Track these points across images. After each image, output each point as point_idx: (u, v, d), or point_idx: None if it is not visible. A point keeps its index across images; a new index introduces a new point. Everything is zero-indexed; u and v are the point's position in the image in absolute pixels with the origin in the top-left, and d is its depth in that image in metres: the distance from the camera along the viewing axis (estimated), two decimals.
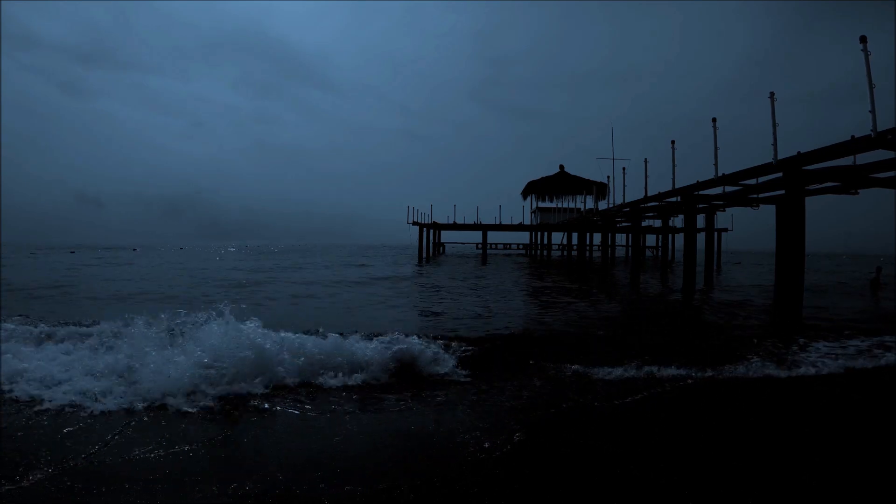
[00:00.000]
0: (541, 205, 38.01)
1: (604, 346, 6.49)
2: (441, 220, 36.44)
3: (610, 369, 5.25)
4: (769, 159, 9.06)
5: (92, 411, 3.87)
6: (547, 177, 38.40)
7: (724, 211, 16.94)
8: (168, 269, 23.41)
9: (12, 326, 6.10)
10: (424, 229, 36.77)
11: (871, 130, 6.83)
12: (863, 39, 6.99)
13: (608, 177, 21.12)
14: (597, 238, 34.93)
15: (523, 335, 7.60)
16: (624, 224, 24.40)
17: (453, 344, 5.98)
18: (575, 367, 5.32)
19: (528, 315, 10.41)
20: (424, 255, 36.53)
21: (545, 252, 37.93)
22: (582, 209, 32.07)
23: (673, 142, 13.00)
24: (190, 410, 3.96)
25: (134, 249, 53.14)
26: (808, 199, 9.27)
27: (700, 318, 10.15)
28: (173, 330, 5.10)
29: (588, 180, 33.56)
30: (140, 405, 3.99)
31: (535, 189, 38.13)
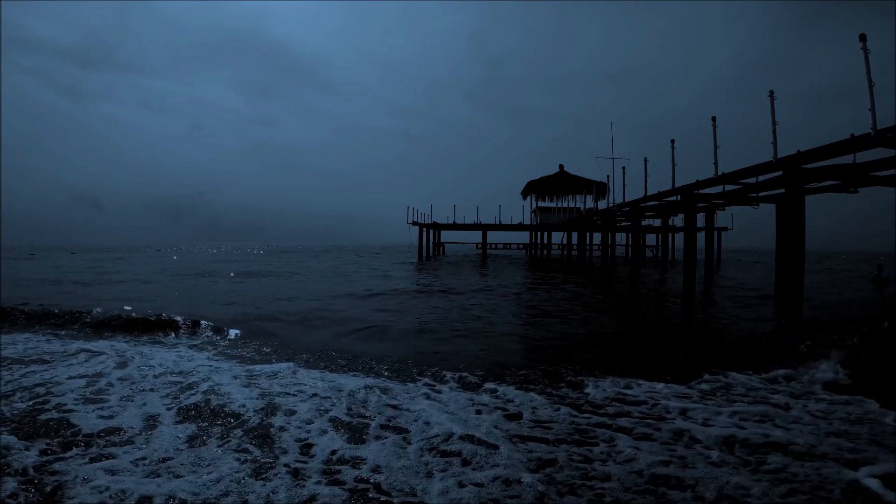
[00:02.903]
0: (541, 204, 37.98)
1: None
2: (441, 219, 36.43)
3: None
4: (759, 158, 9.04)
5: None
6: (546, 176, 38.36)
7: (724, 210, 16.93)
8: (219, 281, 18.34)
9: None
10: (424, 229, 36.75)
11: (871, 129, 6.82)
12: (862, 38, 6.97)
13: (608, 176, 21.18)
14: (597, 237, 34.95)
15: None
16: (624, 223, 24.39)
17: None
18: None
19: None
20: (425, 255, 36.51)
21: (545, 252, 37.93)
22: (582, 209, 32.09)
23: (672, 141, 12.99)
24: None
25: (73, 253, 50.41)
26: (807, 198, 9.26)
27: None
28: None
29: (588, 180, 33.58)
30: None
31: (534, 189, 38.10)
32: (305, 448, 3.57)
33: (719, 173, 10.70)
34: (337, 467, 3.28)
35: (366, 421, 4.06)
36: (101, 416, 4.14)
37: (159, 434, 3.78)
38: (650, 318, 10.19)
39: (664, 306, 12.13)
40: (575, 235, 32.15)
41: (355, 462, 3.35)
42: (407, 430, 3.88)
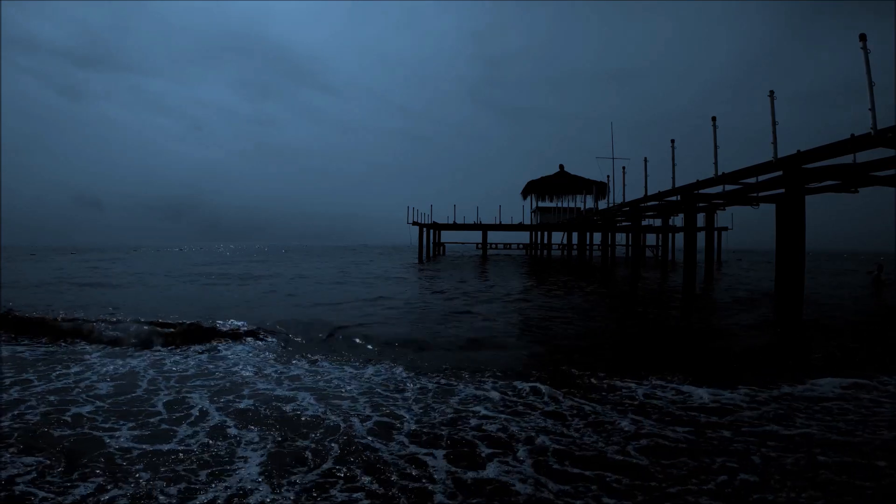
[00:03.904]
0: (541, 204, 37.95)
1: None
2: (441, 219, 36.40)
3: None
4: (759, 158, 9.03)
5: None
6: (547, 176, 38.33)
7: (724, 210, 16.92)
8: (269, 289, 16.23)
9: None
10: (425, 229, 36.74)
11: (871, 129, 6.81)
12: (862, 38, 6.95)
13: (608, 176, 21.21)
14: (597, 237, 34.95)
15: None
16: (624, 223, 24.38)
17: None
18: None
19: None
20: (425, 255, 36.51)
21: (545, 252, 37.93)
22: (582, 209, 32.08)
23: (672, 141, 13.00)
24: None
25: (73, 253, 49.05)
26: (807, 198, 9.25)
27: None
28: None
29: (588, 180, 33.56)
30: None
31: (535, 189, 38.07)
32: (420, 467, 3.31)
33: (719, 173, 10.69)
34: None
35: (466, 437, 3.81)
36: (138, 437, 3.83)
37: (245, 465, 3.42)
38: (658, 321, 10.16)
39: (667, 308, 12.13)
40: (575, 235, 32.17)
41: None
42: (513, 448, 3.59)
